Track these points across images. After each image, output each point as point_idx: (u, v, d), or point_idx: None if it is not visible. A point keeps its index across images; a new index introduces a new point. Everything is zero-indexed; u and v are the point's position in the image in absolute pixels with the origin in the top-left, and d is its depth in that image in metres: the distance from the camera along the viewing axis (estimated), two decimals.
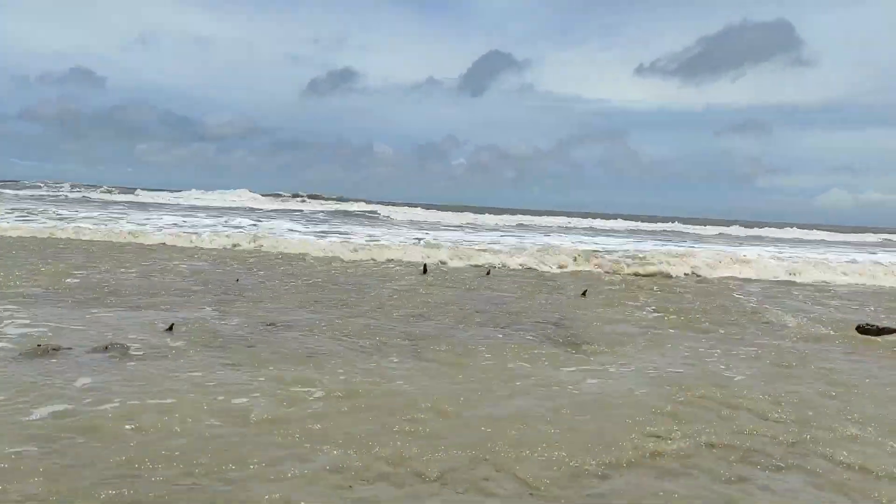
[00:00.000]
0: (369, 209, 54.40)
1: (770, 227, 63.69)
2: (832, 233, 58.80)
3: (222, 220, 33.17)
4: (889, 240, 55.08)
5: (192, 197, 55.60)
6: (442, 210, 59.69)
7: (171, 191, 64.54)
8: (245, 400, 5.62)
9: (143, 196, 55.17)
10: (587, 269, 18.03)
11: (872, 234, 60.37)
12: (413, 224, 40.53)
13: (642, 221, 60.78)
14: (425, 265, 16.53)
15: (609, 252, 23.83)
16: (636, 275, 17.46)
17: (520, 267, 17.98)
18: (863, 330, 10.11)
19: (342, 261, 17.60)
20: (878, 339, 9.74)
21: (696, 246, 31.31)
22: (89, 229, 21.21)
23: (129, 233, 20.62)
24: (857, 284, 18.22)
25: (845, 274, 19.28)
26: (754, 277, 18.23)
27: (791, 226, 64.44)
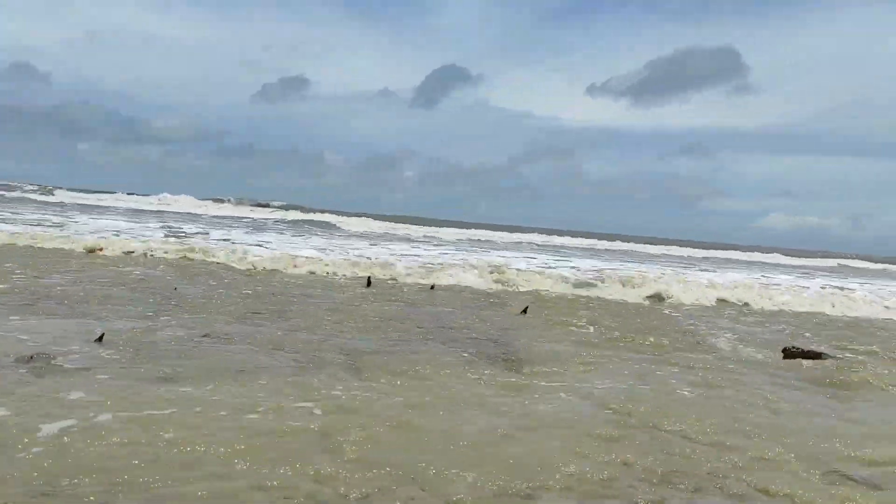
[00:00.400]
0: (318, 219, 53.96)
1: (713, 248, 65.36)
2: (789, 257, 60.40)
3: (161, 225, 32.48)
4: (845, 265, 57.03)
5: (130, 200, 54.12)
6: (391, 221, 59.60)
7: (106, 192, 62.66)
8: (171, 414, 5.52)
9: (74, 197, 53.31)
10: (530, 287, 18.21)
11: (831, 259, 62.31)
12: (362, 236, 40.37)
13: (597, 239, 61.62)
14: (369, 278, 16.50)
15: (556, 270, 24.17)
16: (577, 295, 17.72)
17: (465, 282, 18.06)
18: (788, 353, 10.47)
19: (285, 271, 17.42)
20: (803, 362, 10.09)
21: (652, 267, 31.95)
22: (23, 232, 20.52)
23: (60, 237, 19.93)
24: (786, 309, 18.85)
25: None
26: (694, 299, 18.65)
27: (734, 247, 66.38)
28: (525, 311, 13.43)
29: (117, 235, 23.07)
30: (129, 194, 59.63)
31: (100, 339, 8.03)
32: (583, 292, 17.85)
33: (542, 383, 7.77)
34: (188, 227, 32.40)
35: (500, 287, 17.92)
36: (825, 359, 10.19)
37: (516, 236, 56.20)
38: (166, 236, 25.27)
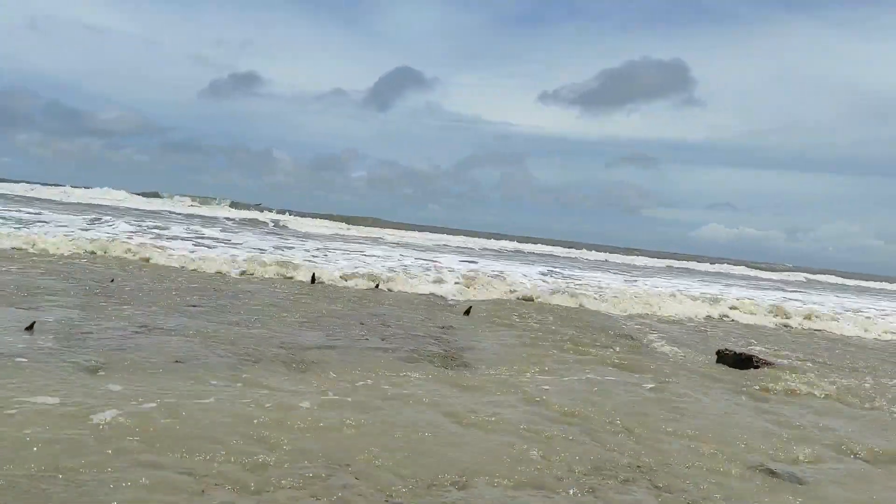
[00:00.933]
0: (264, 217, 53.13)
1: (656, 256, 66.44)
2: (758, 270, 61.09)
3: (98, 220, 31.58)
4: (814, 280, 58.46)
5: (58, 192, 52.11)
6: (339, 221, 59.04)
7: (41, 184, 60.30)
8: (102, 404, 5.39)
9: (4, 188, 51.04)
10: (475, 289, 18.30)
11: (796, 274, 63.51)
12: (309, 236, 39.95)
13: (546, 244, 61.74)
14: (314, 274, 16.37)
15: (503, 273, 24.35)
16: (522, 298, 17.88)
17: (410, 283, 18.03)
18: (722, 356, 10.78)
19: (226, 268, 17.07)
20: (735, 366, 10.38)
21: (595, 273, 32.39)
22: None
23: None
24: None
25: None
26: (638, 307, 18.97)
27: (674, 256, 67.77)
28: (468, 311, 13.50)
29: (42, 226, 22.32)
30: (52, 185, 57.17)
31: (30, 327, 7.78)
32: (528, 295, 18.01)
33: (480, 380, 7.83)
34: (125, 222, 31.53)
35: (445, 288, 17.94)
36: (757, 363, 10.50)
37: (469, 240, 56.25)
38: (114, 234, 24.56)
